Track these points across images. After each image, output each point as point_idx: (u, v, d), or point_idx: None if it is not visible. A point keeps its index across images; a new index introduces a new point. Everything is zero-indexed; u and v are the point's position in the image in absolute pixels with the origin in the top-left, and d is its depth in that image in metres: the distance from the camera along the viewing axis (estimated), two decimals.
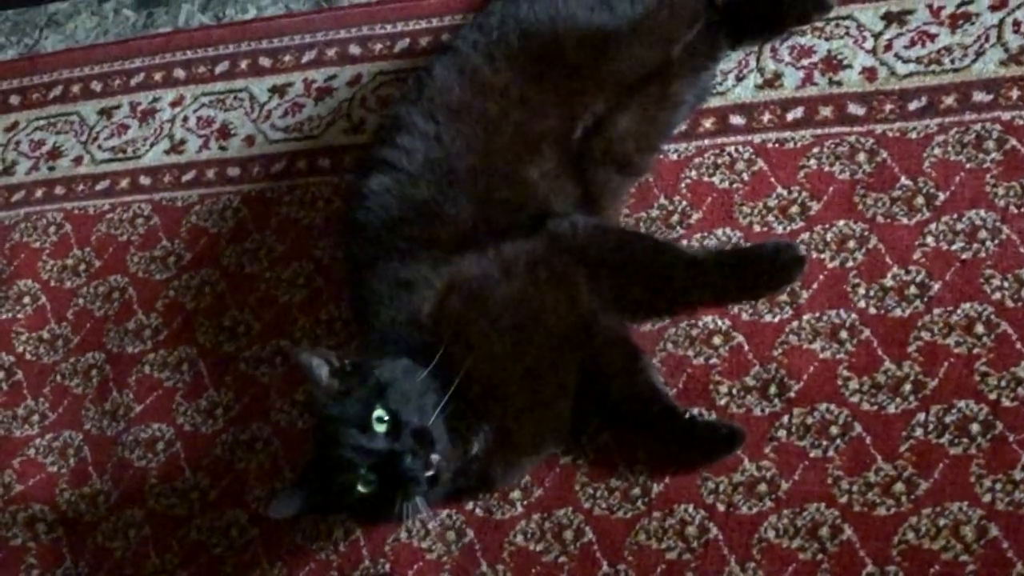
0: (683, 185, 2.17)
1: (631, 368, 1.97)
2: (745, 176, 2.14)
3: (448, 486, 1.89)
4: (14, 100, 2.91)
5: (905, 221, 2.00)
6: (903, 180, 2.03)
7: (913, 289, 1.94)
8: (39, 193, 2.72)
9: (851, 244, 2.01)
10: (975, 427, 1.82)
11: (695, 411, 1.96)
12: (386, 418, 1.81)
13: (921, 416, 1.85)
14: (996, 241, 1.93)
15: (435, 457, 1.81)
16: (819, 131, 2.13)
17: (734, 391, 1.96)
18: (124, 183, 2.65)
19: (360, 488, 1.82)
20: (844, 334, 1.95)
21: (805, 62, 2.19)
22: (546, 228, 2.01)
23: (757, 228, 2.08)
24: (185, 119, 2.69)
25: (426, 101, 2.11)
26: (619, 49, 2.10)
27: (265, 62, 2.69)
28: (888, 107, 2.10)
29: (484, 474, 1.96)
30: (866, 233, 2.01)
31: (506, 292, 1.95)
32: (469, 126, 2.07)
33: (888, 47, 2.16)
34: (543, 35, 2.10)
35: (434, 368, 1.87)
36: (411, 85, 2.21)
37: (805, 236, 2.04)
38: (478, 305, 1.94)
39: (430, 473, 1.81)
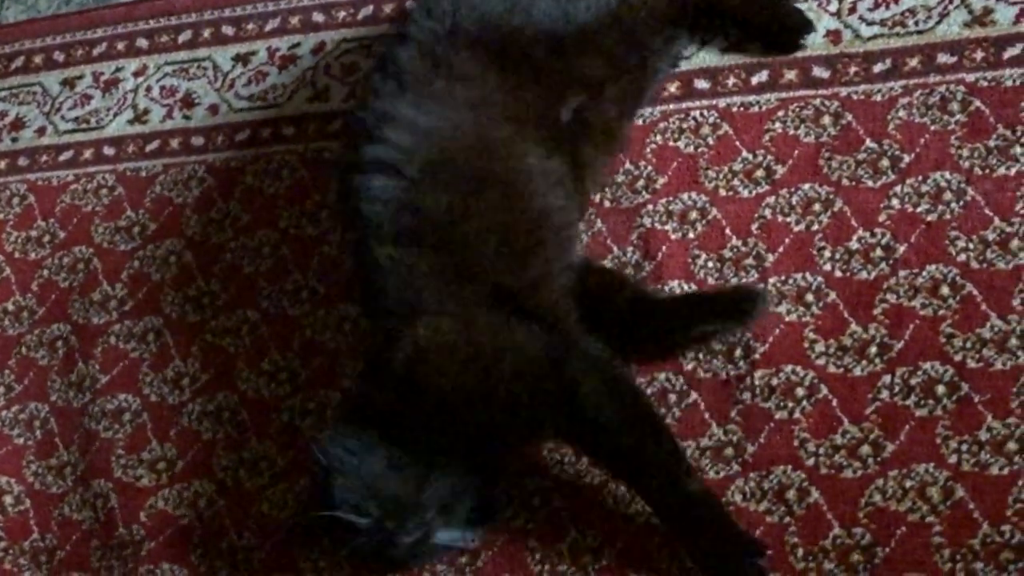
0: (648, 150, 2.16)
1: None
2: (710, 140, 2.13)
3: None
4: None
5: (870, 184, 2.00)
6: (868, 143, 2.03)
7: (879, 251, 1.94)
8: (2, 165, 2.70)
9: (816, 207, 2.01)
10: (941, 389, 1.83)
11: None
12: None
13: (887, 378, 1.86)
14: (961, 203, 1.94)
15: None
16: (784, 94, 2.12)
17: (700, 354, 1.96)
18: (88, 154, 2.62)
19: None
20: (810, 297, 1.95)
21: None
22: (566, 361, 1.80)
23: (723, 192, 2.08)
24: (148, 89, 2.66)
25: (412, 94, 1.98)
26: (579, 53, 2.04)
27: (228, 30, 2.66)
28: (852, 70, 2.09)
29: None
30: (831, 196, 2.01)
31: (476, 348, 1.83)
32: (457, 112, 1.96)
33: (852, 10, 2.15)
34: (501, 25, 2.03)
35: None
36: (385, 79, 2.04)
37: (771, 200, 2.04)
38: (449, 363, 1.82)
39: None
